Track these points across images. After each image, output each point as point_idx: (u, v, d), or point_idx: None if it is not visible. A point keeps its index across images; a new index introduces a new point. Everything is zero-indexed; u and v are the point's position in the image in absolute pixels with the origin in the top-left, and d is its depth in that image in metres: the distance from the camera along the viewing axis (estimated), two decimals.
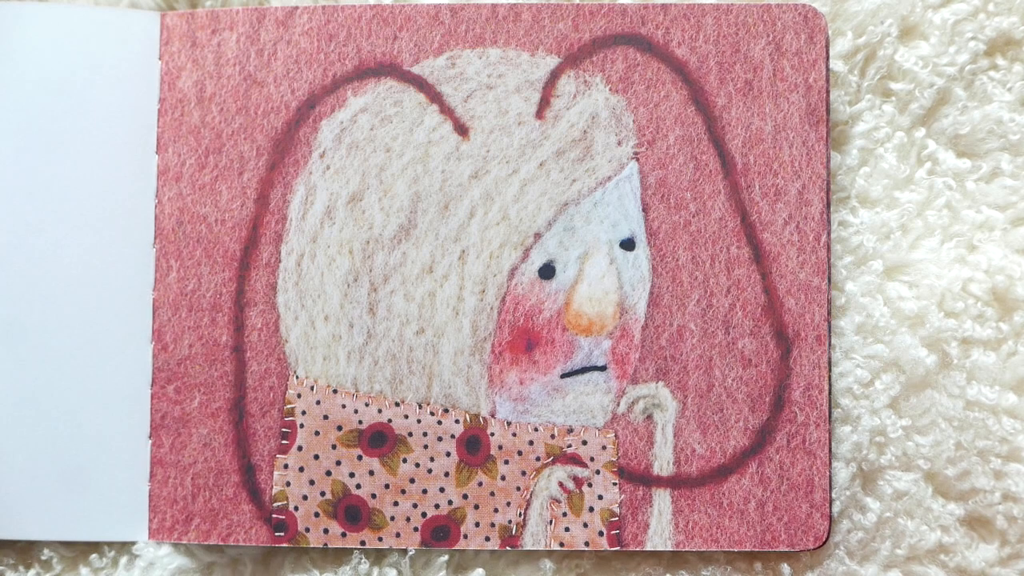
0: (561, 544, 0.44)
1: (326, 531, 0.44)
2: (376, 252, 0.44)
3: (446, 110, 0.44)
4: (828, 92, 0.44)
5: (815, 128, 0.44)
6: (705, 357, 0.44)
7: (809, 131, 0.44)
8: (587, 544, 0.43)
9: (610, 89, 0.44)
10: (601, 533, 0.43)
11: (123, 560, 0.46)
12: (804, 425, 0.43)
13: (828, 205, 0.44)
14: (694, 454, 0.43)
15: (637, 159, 0.44)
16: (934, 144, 0.45)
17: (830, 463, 0.43)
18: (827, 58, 0.44)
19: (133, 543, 0.45)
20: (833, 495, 0.44)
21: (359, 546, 0.44)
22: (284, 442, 0.44)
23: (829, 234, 0.44)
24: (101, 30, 0.45)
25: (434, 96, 0.44)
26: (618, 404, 0.44)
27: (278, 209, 0.45)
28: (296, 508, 0.44)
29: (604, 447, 0.44)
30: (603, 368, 0.44)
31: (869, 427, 0.44)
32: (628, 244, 0.44)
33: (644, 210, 0.44)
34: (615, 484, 0.44)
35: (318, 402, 0.44)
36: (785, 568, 0.44)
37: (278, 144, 0.45)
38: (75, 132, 0.45)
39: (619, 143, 0.44)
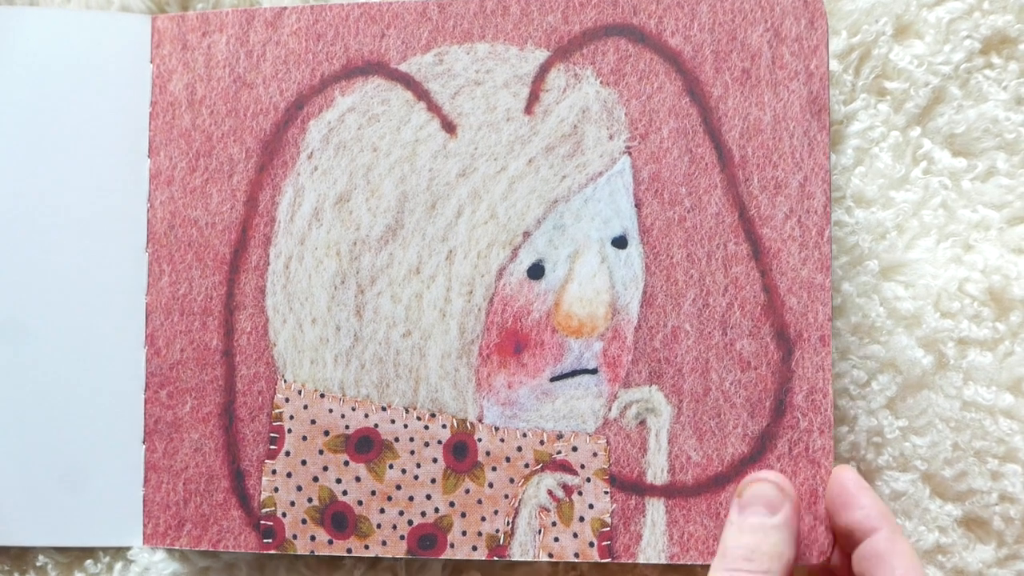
0: (550, 555, 0.42)
1: (313, 538, 0.43)
2: (363, 253, 0.43)
3: (433, 107, 0.43)
4: (829, 78, 0.41)
5: (817, 117, 0.41)
6: (701, 359, 0.41)
7: (811, 120, 0.41)
8: (577, 555, 0.42)
9: (601, 82, 0.42)
10: (592, 544, 0.41)
11: (118, 566, 0.46)
12: (807, 431, 0.41)
13: (830, 198, 0.41)
14: (689, 462, 0.41)
15: (629, 153, 0.42)
16: (929, 143, 0.45)
17: None
18: (828, 44, 0.41)
19: (128, 548, 0.45)
20: None
21: (346, 554, 0.43)
22: (272, 447, 0.43)
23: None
24: (92, 34, 0.45)
25: (421, 94, 0.43)
26: (610, 409, 0.42)
27: (267, 211, 0.44)
28: (284, 514, 0.43)
29: (595, 454, 0.42)
30: (594, 371, 0.42)
31: (866, 428, 0.43)
32: (620, 242, 0.42)
33: (637, 206, 0.42)
34: (606, 493, 0.42)
35: (305, 406, 0.43)
36: None
37: (267, 146, 0.44)
38: (68, 136, 0.45)
39: (610, 137, 0.42)
